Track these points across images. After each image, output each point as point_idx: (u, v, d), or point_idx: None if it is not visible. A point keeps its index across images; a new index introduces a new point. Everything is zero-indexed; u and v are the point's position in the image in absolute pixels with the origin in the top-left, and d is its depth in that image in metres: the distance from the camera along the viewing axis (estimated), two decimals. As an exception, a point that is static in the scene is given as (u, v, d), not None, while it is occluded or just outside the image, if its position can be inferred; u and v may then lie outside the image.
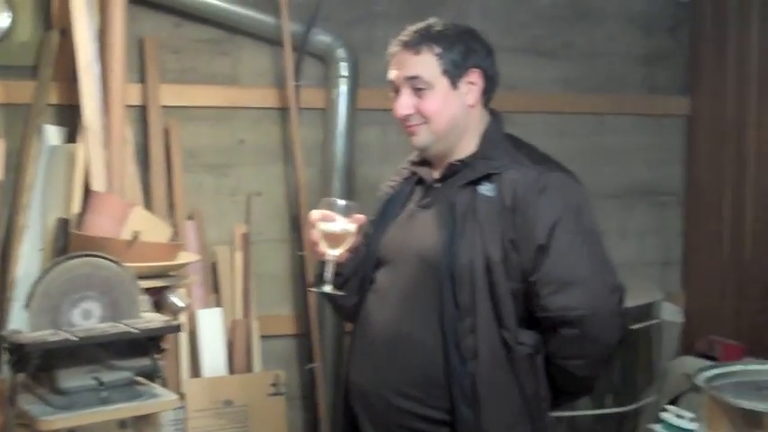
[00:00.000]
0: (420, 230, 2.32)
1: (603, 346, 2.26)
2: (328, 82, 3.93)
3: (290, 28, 3.77)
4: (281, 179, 3.94)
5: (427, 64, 2.28)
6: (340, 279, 2.36)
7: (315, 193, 3.89)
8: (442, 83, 2.28)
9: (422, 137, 2.31)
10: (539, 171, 2.25)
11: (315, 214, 2.25)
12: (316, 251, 2.29)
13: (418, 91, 2.28)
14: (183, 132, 3.74)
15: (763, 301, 4.03)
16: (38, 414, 2.24)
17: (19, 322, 2.83)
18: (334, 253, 2.25)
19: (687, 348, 4.29)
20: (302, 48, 3.85)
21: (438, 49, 2.28)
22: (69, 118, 3.40)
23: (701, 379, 2.63)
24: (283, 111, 3.89)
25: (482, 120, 2.37)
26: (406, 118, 2.31)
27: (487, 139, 2.35)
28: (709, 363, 3.20)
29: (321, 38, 3.88)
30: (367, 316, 2.39)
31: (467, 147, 2.35)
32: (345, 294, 2.36)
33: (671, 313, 4.24)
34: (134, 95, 3.59)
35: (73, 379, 2.31)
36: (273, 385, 3.71)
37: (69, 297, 2.39)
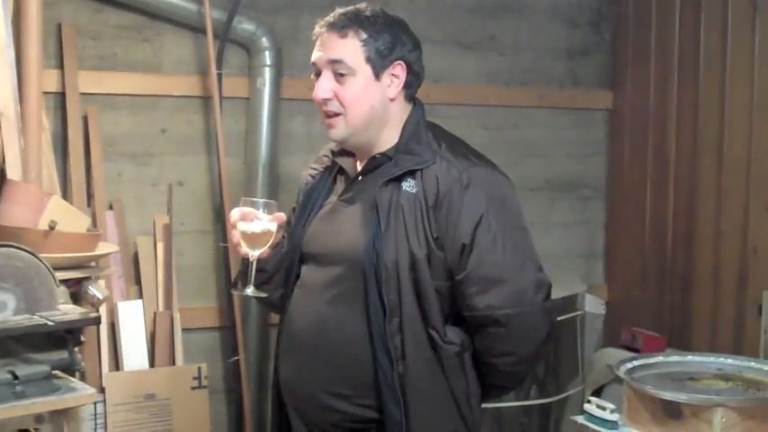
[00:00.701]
0: (343, 227, 2.26)
1: (531, 342, 2.23)
2: (252, 71, 3.88)
3: (212, 15, 3.71)
4: (203, 169, 3.88)
5: (352, 49, 2.20)
6: (263, 276, 2.34)
7: (238, 183, 3.84)
8: (365, 71, 2.21)
9: (338, 129, 2.24)
10: (461, 167, 2.19)
11: (234, 214, 2.21)
12: (237, 251, 2.26)
13: (340, 77, 2.20)
14: (102, 120, 3.66)
15: (684, 293, 4.09)
16: (-52, 409, 2.17)
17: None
18: (254, 253, 2.21)
19: (610, 340, 4.34)
20: (225, 36, 3.80)
21: (364, 35, 2.21)
22: (-17, 104, 3.30)
23: (622, 370, 2.66)
24: (206, 99, 3.83)
25: (403, 110, 2.29)
26: (324, 102, 2.22)
27: (409, 131, 2.27)
28: (631, 354, 3.24)
29: (245, 26, 3.83)
30: (292, 312, 2.33)
31: (388, 138, 2.28)
32: (267, 295, 2.32)
33: (594, 305, 4.30)
34: (52, 82, 3.51)
35: (-14, 373, 2.24)
36: (196, 378, 3.66)
37: (-18, 288, 2.32)
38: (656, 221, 4.28)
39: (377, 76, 2.22)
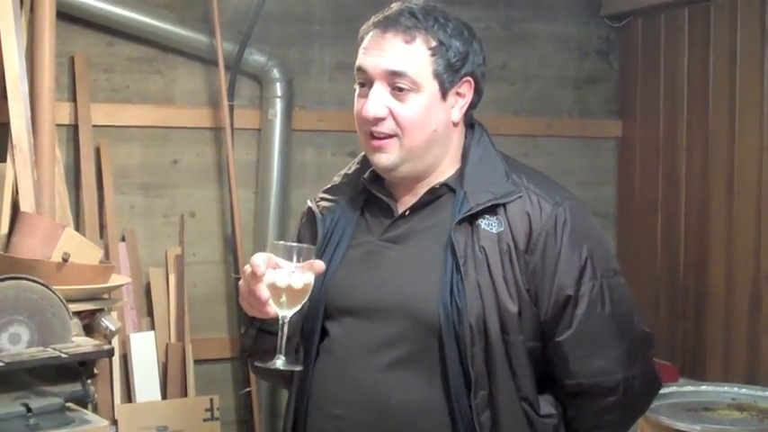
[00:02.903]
0: (397, 274, 1.80)
1: (639, 410, 1.92)
2: (263, 102, 3.90)
3: (223, 47, 3.74)
4: (215, 200, 3.89)
5: (419, 59, 1.75)
6: (274, 340, 1.72)
7: (249, 214, 3.85)
8: (431, 88, 1.76)
9: (391, 154, 1.77)
10: (553, 200, 1.79)
11: (260, 263, 1.64)
12: (261, 310, 1.67)
13: (398, 91, 1.76)
14: (114, 152, 3.68)
15: (697, 320, 4.08)
16: (-37, 442, 2.17)
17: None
18: (288, 313, 1.67)
19: (621, 368, 4.32)
20: (236, 67, 3.82)
21: (434, 43, 1.76)
22: (-3, 137, 3.32)
23: (637, 399, 2.64)
24: (217, 131, 3.85)
25: (461, 136, 1.86)
26: (376, 122, 1.76)
27: (476, 156, 1.84)
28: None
29: (256, 57, 3.85)
30: (325, 383, 1.84)
31: (446, 168, 1.85)
32: (302, 368, 1.81)
33: (606, 334, 4.28)
34: (64, 114, 3.53)
35: (0, 405, 2.24)
36: (208, 410, 3.65)
37: (-4, 321, 2.32)
38: (668, 249, 4.27)
39: (444, 95, 1.78)
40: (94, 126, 3.62)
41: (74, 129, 3.59)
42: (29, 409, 2.27)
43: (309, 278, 1.66)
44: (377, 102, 1.76)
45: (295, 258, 1.66)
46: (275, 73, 3.87)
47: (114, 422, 3.44)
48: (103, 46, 3.70)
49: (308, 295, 1.69)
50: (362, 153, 1.91)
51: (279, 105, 3.87)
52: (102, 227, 3.62)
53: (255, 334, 1.82)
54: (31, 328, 2.38)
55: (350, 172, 1.96)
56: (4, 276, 2.39)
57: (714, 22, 4.00)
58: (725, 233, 3.94)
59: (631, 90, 4.53)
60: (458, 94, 1.81)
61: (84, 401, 2.42)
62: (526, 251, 1.75)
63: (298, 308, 1.68)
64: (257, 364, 1.75)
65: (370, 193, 1.89)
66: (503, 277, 1.73)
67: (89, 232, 3.50)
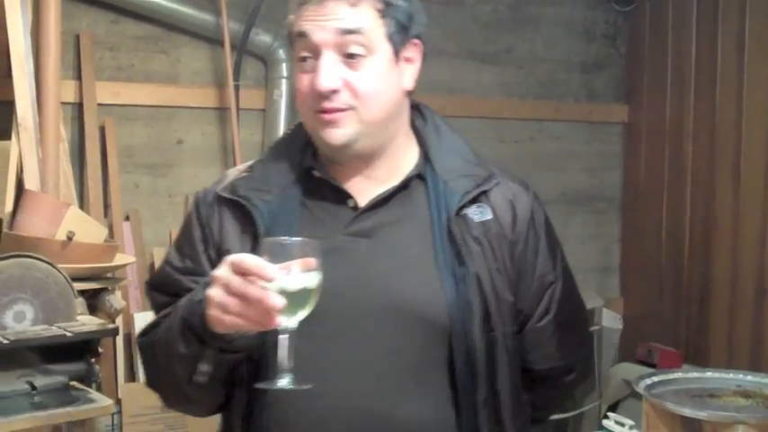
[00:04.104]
0: (381, 271, 1.58)
1: (589, 374, 1.97)
2: (269, 82, 3.88)
3: (229, 27, 3.72)
4: (219, 180, 3.88)
5: (369, 20, 1.56)
6: (235, 357, 1.50)
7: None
8: (385, 51, 1.58)
9: (347, 129, 1.56)
10: (525, 186, 1.73)
11: (260, 265, 1.36)
12: (269, 323, 1.38)
13: (351, 59, 1.55)
14: (119, 131, 3.67)
15: (701, 306, 4.07)
16: (-33, 419, 2.17)
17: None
18: (293, 322, 1.41)
19: (625, 354, 4.32)
20: (242, 47, 3.80)
21: (380, 5, 1.57)
22: (2, 114, 3.30)
23: (641, 386, 2.63)
24: (222, 111, 3.83)
25: (408, 112, 1.69)
26: (330, 96, 1.55)
27: (436, 139, 1.69)
28: (648, 370, 3.22)
29: (262, 38, 3.83)
30: (296, 406, 1.54)
31: (404, 150, 1.67)
32: (311, 387, 1.45)
33: (611, 319, 4.28)
34: (69, 93, 3.52)
35: (4, 383, 2.25)
36: (210, 390, 3.64)
37: (1, 299, 2.32)
38: (673, 235, 4.26)
39: (396, 57, 1.60)
40: (99, 105, 3.60)
41: (79, 107, 3.57)
42: (33, 387, 2.27)
43: (320, 277, 1.41)
44: (329, 72, 1.54)
45: (296, 256, 1.39)
46: (281, 53, 3.85)
47: (118, 401, 3.44)
48: (109, 24, 3.68)
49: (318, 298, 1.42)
50: (282, 136, 1.74)
51: (284, 86, 3.85)
52: (106, 206, 3.61)
53: (215, 358, 1.48)
54: (35, 306, 2.37)
55: (275, 155, 1.70)
56: (8, 254, 2.39)
57: (722, 7, 3.98)
58: (730, 220, 3.93)
59: (638, 75, 4.52)
60: (407, 59, 1.63)
61: (89, 380, 2.42)
62: (511, 239, 1.66)
63: (306, 313, 1.42)
64: (260, 385, 1.45)
65: (311, 180, 1.64)
66: (496, 268, 1.62)
67: (93, 211, 3.49)
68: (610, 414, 2.62)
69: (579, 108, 4.53)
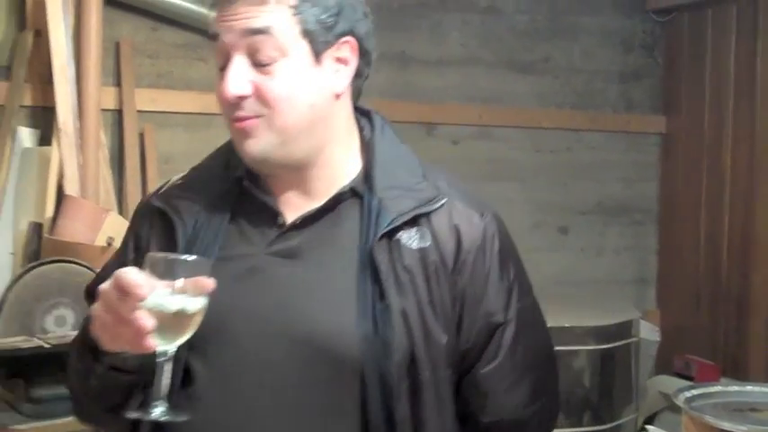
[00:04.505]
0: (298, 296, 1.43)
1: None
2: (306, 91, 3.89)
3: (268, 35, 3.73)
4: (256, 188, 3.89)
5: (280, 18, 1.41)
6: (129, 378, 1.41)
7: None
8: (300, 50, 1.42)
9: (259, 139, 1.43)
10: (480, 210, 1.52)
11: (140, 281, 1.25)
12: (139, 344, 1.26)
13: (260, 65, 1.42)
14: (158, 138, 3.69)
15: (739, 318, 4.04)
16: (9, 422, 2.20)
17: (-12, 328, 2.76)
18: (171, 348, 1.29)
19: (662, 367, 4.29)
20: (280, 55, 3.81)
21: (293, 0, 1.42)
22: (43, 120, 3.34)
23: (680, 399, 2.62)
24: (260, 119, 3.84)
25: (350, 117, 1.53)
26: (239, 103, 1.42)
27: (385, 150, 1.52)
28: (686, 383, 3.20)
29: (300, 46, 3.84)
30: None
31: (341, 161, 1.50)
32: (189, 418, 1.34)
33: (649, 331, 4.25)
34: (109, 99, 3.54)
35: (45, 387, 2.26)
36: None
37: (42, 303, 2.35)
38: (711, 246, 4.23)
39: (317, 57, 1.44)
40: (139, 111, 3.62)
41: (118, 114, 3.59)
42: (73, 392, 2.29)
43: (204, 301, 1.29)
44: (237, 77, 1.42)
45: (181, 275, 1.27)
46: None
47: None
48: (148, 31, 3.70)
49: (199, 323, 1.30)
50: (226, 142, 1.59)
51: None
52: (144, 212, 3.63)
53: (104, 375, 1.39)
54: (76, 310, 2.40)
55: (210, 164, 1.58)
56: (50, 259, 2.41)
57: (762, 18, 3.95)
58: (771, 230, 3.90)
59: (676, 85, 4.49)
60: (338, 60, 1.46)
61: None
62: (453, 270, 1.46)
63: (184, 339, 1.30)
64: (133, 414, 1.33)
65: (242, 193, 1.51)
66: (429, 302, 1.44)
67: (144, 204, 3.51)
68: (648, 427, 2.60)
69: (616, 118, 4.51)
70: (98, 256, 2.76)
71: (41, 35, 3.25)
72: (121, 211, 3.45)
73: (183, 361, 1.40)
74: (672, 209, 4.52)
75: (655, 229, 4.61)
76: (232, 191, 1.51)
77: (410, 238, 1.44)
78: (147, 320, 1.23)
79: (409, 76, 4.03)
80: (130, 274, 1.25)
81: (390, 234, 1.43)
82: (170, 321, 1.26)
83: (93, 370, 1.41)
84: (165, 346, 1.28)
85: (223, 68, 1.44)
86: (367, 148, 1.52)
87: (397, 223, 1.43)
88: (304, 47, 1.42)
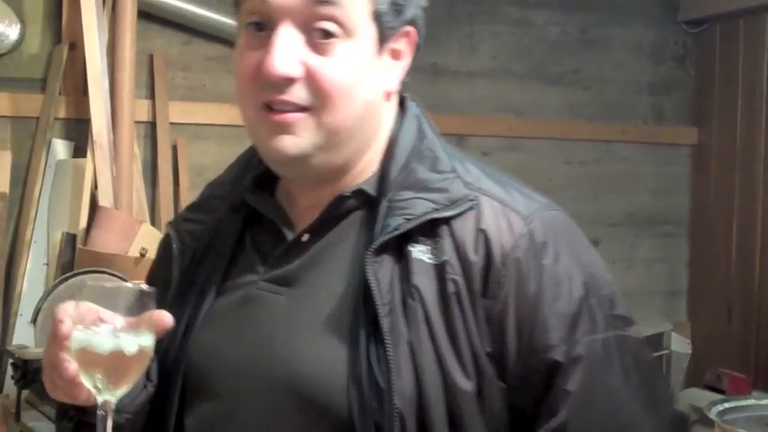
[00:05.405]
0: (282, 333, 1.17)
1: None
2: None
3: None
4: (287, 199, 3.91)
5: None
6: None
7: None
8: (368, 34, 1.16)
9: (301, 138, 1.15)
10: (525, 210, 1.17)
11: (63, 316, 1.05)
12: (70, 394, 1.08)
13: (320, 39, 1.13)
14: (191, 150, 3.72)
15: (771, 332, 4.01)
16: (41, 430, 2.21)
17: (24, 337, 2.80)
18: (112, 398, 1.07)
19: (693, 379, 4.26)
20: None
21: None
22: (77, 132, 3.38)
23: (713, 412, 2.61)
24: (292, 130, 3.86)
25: (391, 119, 1.25)
26: (282, 87, 1.13)
27: (406, 143, 1.21)
28: (717, 396, 3.18)
29: (331, 58, 3.86)
30: None
31: (366, 164, 1.22)
32: None
33: (680, 344, 4.22)
34: (143, 111, 3.58)
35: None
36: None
37: (77, 313, 2.36)
38: (742, 257, 4.20)
39: (381, 46, 1.18)
40: (172, 124, 3.66)
41: (152, 126, 3.63)
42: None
43: (148, 340, 1.06)
44: (287, 53, 1.11)
45: (123, 309, 1.06)
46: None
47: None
48: (181, 45, 3.74)
49: (146, 367, 1.10)
50: (247, 149, 1.33)
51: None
52: (177, 223, 3.66)
53: (73, 430, 1.18)
54: (109, 321, 2.42)
55: (223, 179, 1.34)
56: (84, 270, 2.44)
57: (795, 29, 3.93)
58: (803, 243, 3.87)
59: (708, 97, 4.47)
60: (393, 52, 1.20)
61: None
62: (484, 293, 1.11)
63: (127, 388, 1.07)
64: None
65: (252, 208, 1.27)
66: (448, 335, 1.10)
67: (165, 228, 3.54)
68: (679, 440, 2.58)
69: (647, 130, 4.50)
70: (131, 266, 2.80)
71: (76, 48, 3.30)
72: (154, 223, 3.49)
73: (175, 415, 1.21)
74: (703, 220, 4.50)
75: (686, 240, 4.59)
76: (242, 209, 1.28)
77: (425, 252, 1.13)
78: (69, 364, 1.03)
79: (440, 88, 4.04)
80: (62, 309, 1.05)
81: (399, 245, 1.13)
82: (107, 366, 1.04)
83: (65, 429, 1.21)
84: (104, 395, 1.05)
85: (258, 29, 1.15)
86: (392, 144, 1.22)
87: (402, 230, 1.12)
88: (371, 31, 1.15)
